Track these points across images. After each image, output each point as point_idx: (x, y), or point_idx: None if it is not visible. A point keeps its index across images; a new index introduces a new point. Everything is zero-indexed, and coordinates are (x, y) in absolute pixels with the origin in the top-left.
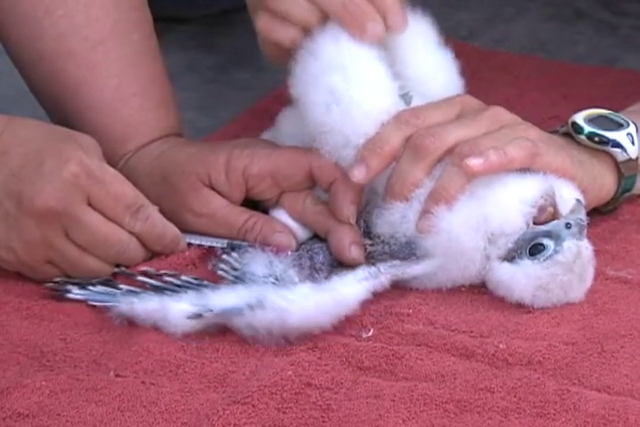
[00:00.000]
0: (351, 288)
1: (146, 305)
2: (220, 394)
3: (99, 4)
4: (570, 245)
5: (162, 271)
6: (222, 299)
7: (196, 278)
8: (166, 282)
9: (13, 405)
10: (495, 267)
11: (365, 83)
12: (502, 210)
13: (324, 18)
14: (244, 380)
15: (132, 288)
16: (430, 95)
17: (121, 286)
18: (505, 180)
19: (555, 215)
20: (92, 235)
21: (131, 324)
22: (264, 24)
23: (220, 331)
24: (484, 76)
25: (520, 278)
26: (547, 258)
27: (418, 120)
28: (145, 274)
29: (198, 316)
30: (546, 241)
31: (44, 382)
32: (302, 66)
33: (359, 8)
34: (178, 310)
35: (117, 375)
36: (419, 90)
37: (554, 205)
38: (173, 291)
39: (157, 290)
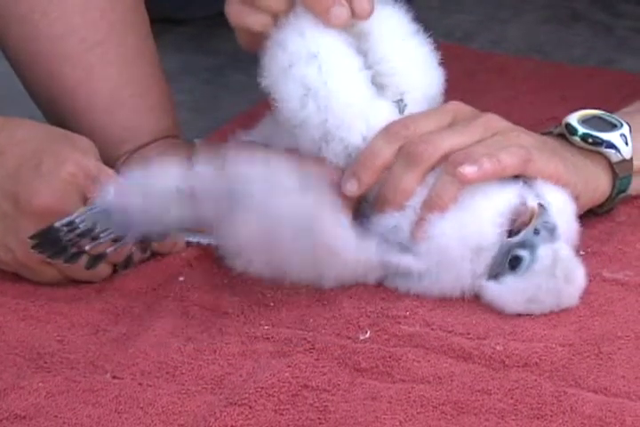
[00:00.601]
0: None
1: None
2: (217, 396)
3: (95, 5)
4: (544, 251)
5: None
6: None
7: None
8: None
9: (10, 406)
10: (483, 286)
11: (341, 73)
12: (478, 222)
13: (293, 3)
14: (242, 382)
15: None
16: (408, 88)
17: None
18: (483, 190)
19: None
20: None
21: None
22: (234, 10)
23: (217, 332)
24: (481, 78)
25: (507, 296)
26: (526, 270)
27: (408, 131)
28: None
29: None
30: (521, 252)
31: (40, 384)
32: (271, 57)
33: None
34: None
35: (114, 377)
36: (394, 83)
37: (530, 213)
38: None
39: None
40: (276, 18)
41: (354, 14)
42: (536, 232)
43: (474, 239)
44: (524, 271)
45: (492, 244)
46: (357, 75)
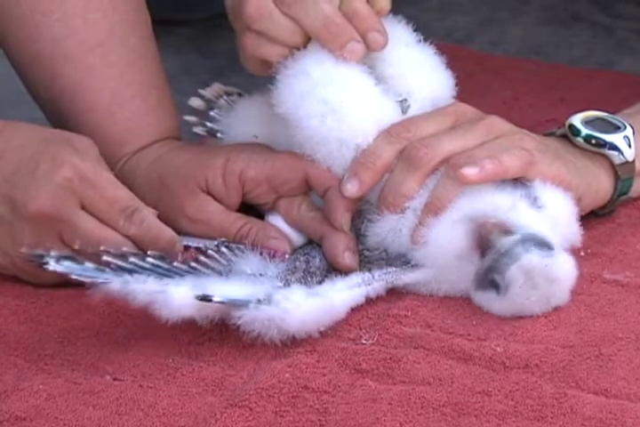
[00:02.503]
0: (341, 295)
1: (145, 286)
2: (218, 397)
3: (96, 6)
4: (513, 272)
5: (125, 250)
6: (224, 289)
7: (162, 259)
8: (132, 263)
9: (11, 408)
10: (471, 293)
11: (357, 91)
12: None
13: (307, 36)
14: (242, 383)
15: (124, 265)
16: (415, 93)
17: (109, 261)
18: (468, 195)
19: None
20: (86, 239)
21: (110, 304)
22: (250, 43)
23: (217, 334)
24: (480, 79)
25: (493, 306)
26: (505, 293)
27: (409, 133)
28: (108, 253)
29: (207, 299)
30: (495, 277)
31: (41, 386)
32: (288, 85)
33: (339, 28)
34: (180, 294)
35: (115, 379)
36: (402, 89)
37: (501, 220)
38: (139, 272)
39: (126, 271)
40: (292, 50)
41: (368, 47)
42: (503, 253)
43: (455, 245)
44: (504, 293)
45: (465, 246)
46: (375, 91)
